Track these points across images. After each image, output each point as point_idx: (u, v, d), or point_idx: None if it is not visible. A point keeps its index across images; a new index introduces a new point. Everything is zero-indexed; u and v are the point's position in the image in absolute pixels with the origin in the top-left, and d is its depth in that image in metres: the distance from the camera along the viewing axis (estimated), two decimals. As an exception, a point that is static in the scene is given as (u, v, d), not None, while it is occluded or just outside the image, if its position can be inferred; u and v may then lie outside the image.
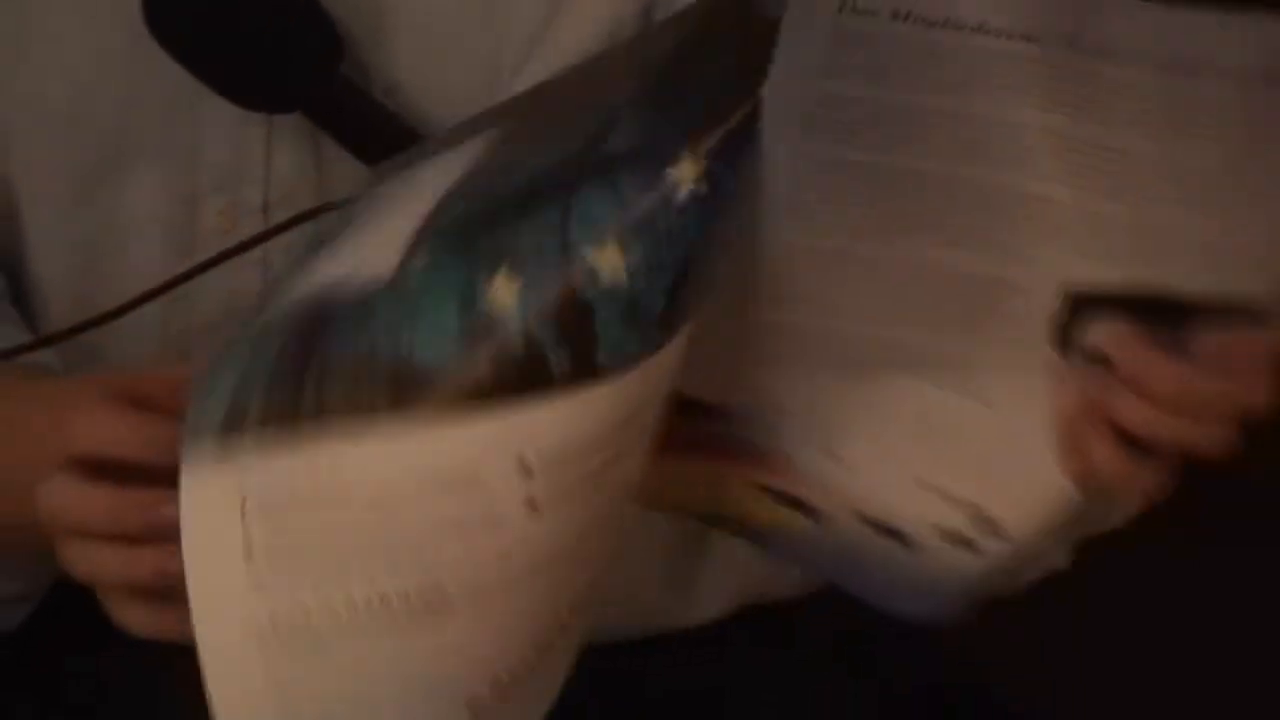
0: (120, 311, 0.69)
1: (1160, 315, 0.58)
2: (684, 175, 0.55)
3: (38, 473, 0.60)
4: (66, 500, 0.60)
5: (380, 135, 0.75)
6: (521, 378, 0.53)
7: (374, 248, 0.56)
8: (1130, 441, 0.60)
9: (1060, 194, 0.58)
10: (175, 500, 0.55)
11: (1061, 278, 0.59)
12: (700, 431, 0.67)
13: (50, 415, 0.65)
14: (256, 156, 0.77)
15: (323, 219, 0.66)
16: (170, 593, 0.56)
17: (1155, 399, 0.58)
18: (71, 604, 0.69)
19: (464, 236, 0.55)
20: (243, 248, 0.70)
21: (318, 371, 0.54)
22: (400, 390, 0.53)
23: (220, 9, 0.74)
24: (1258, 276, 0.59)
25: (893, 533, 0.67)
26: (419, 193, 0.58)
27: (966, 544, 0.66)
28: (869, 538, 0.68)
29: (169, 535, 0.55)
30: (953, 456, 0.65)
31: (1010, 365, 0.62)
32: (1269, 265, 0.59)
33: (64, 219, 0.79)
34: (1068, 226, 0.59)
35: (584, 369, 0.54)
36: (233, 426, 0.54)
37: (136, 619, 0.61)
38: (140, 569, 0.59)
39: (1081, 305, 0.60)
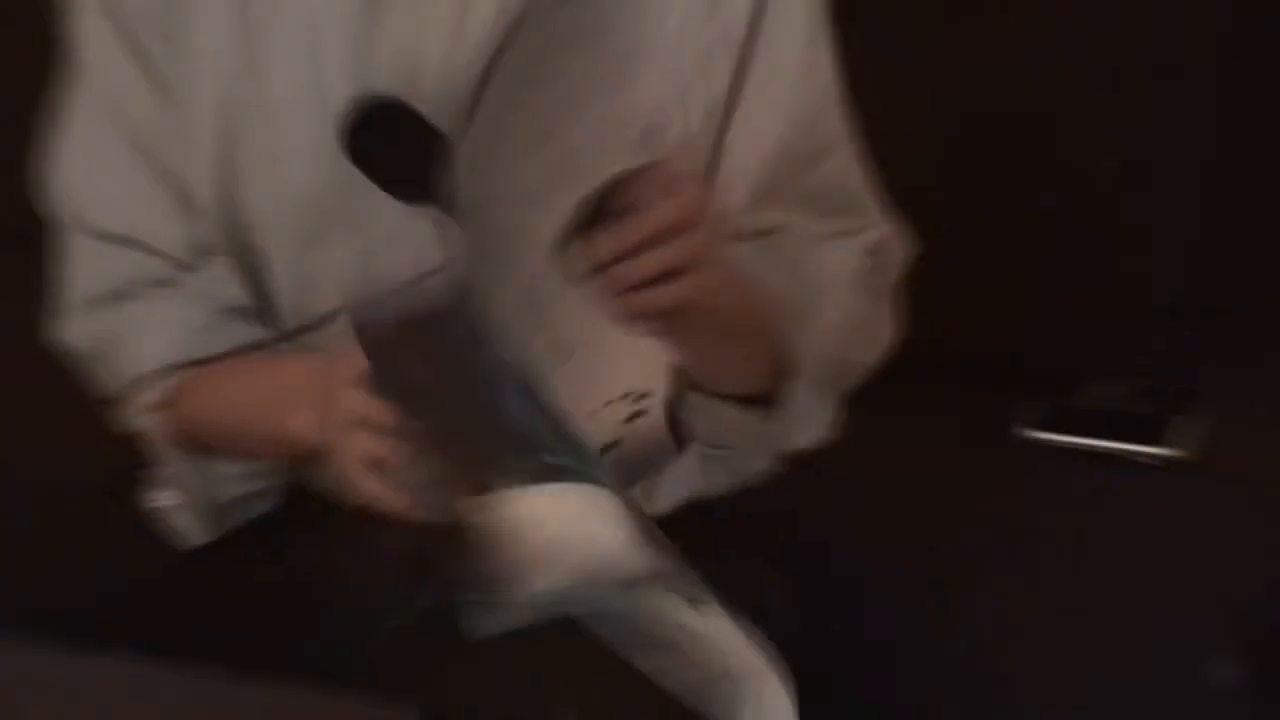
0: (329, 318, 1.20)
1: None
2: None
3: (297, 406, 1.10)
4: (356, 403, 1.01)
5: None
6: None
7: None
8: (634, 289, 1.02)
9: None
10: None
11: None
12: None
13: (320, 366, 1.11)
14: (405, 226, 1.14)
15: None
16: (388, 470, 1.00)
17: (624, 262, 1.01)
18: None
19: None
20: (392, 285, 1.10)
21: None
22: None
23: (379, 148, 1.15)
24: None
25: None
26: None
27: (641, 415, 1.11)
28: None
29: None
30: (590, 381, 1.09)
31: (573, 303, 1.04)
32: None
33: (293, 262, 1.25)
34: None
35: None
36: None
37: (371, 486, 1.00)
38: (384, 449, 0.99)
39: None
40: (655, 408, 1.15)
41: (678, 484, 1.32)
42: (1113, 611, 1.37)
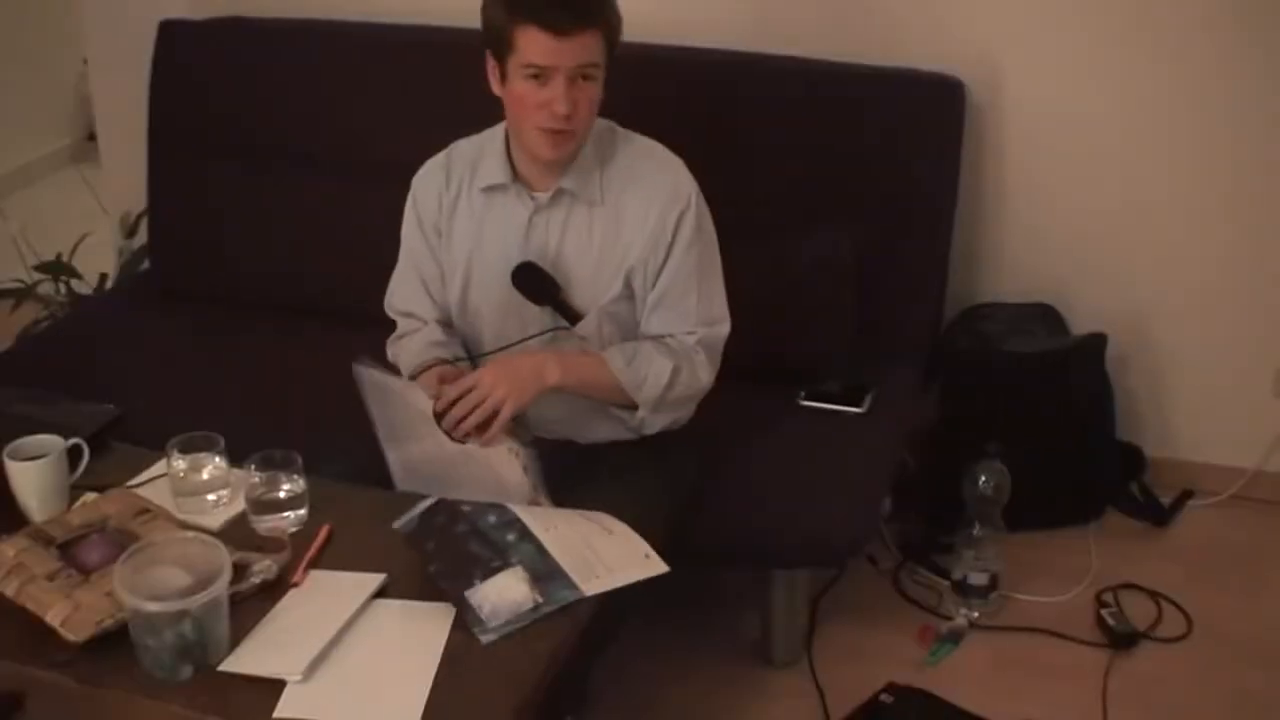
0: (507, 347, 2.58)
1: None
2: None
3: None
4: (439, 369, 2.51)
5: (569, 314, 2.58)
6: None
7: None
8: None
9: None
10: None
11: None
12: None
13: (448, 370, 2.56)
14: (533, 315, 2.61)
15: None
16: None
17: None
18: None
19: None
20: (520, 340, 2.58)
21: None
22: None
23: (527, 283, 2.58)
24: None
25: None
26: None
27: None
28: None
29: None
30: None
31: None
32: None
33: (490, 326, 2.66)
34: None
35: None
36: None
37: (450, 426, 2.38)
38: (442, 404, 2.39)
39: None
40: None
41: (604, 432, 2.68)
42: (826, 469, 2.90)
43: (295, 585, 2.11)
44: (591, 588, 2.10)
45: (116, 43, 4.01)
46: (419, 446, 2.45)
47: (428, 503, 2.23)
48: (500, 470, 2.39)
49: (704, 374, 2.63)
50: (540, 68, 2.42)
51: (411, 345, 2.70)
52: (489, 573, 2.07)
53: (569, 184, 2.57)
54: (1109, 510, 3.56)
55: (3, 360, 3.33)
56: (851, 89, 3.30)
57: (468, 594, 2.04)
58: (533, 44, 2.40)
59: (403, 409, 2.46)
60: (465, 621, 2.02)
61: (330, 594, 2.09)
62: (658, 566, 2.21)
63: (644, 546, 2.23)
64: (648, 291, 2.61)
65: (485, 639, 2.00)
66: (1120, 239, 3.50)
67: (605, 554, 2.18)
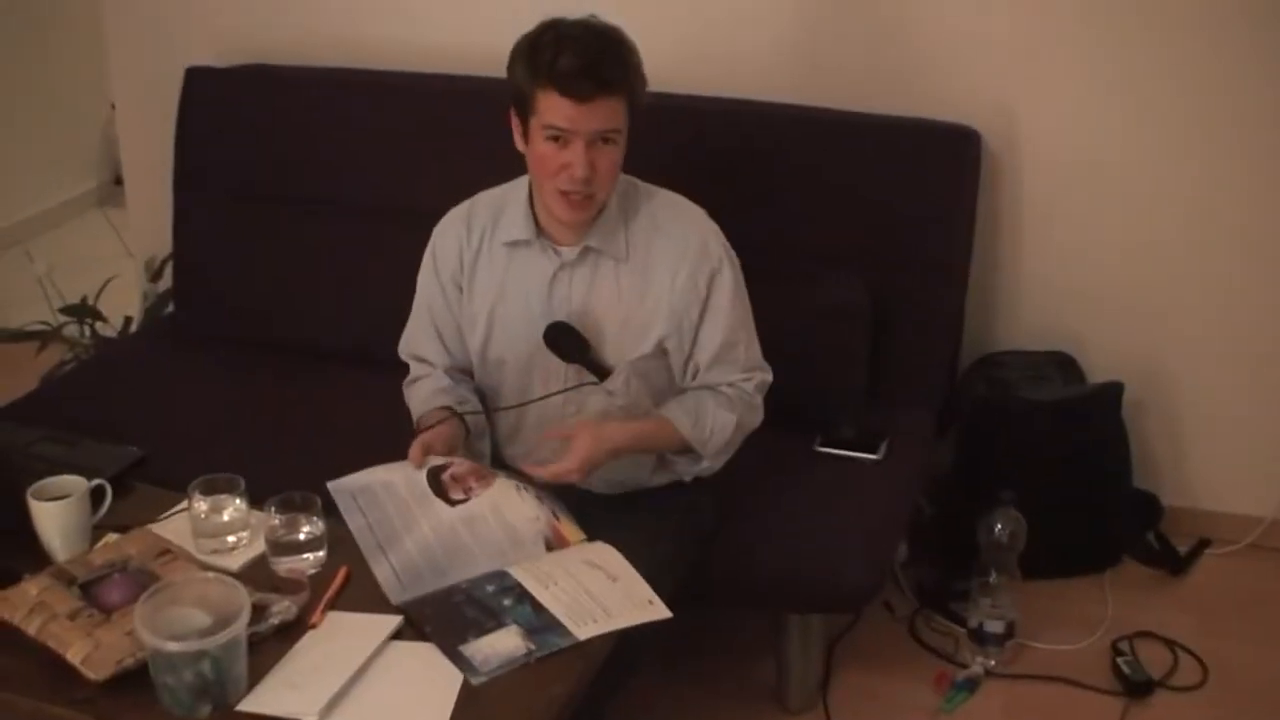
0: (523, 404, 2.66)
1: None
2: None
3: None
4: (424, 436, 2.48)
5: (598, 370, 2.59)
6: None
7: None
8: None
9: None
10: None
11: None
12: None
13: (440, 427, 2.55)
14: (557, 367, 2.60)
15: None
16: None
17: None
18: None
19: None
20: (546, 396, 2.63)
21: None
22: None
23: (560, 343, 2.59)
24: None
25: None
26: None
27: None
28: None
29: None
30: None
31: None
32: None
33: (514, 381, 2.68)
34: None
35: None
36: None
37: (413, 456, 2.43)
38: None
39: None
40: None
41: (664, 476, 2.72)
42: (840, 514, 2.91)
43: (313, 627, 2.12)
44: (585, 631, 2.12)
45: (143, 88, 4.08)
46: (414, 536, 2.30)
47: (431, 587, 2.22)
48: (509, 514, 2.38)
49: (759, 416, 2.71)
50: (560, 130, 2.44)
51: (419, 393, 2.72)
52: (483, 633, 2.10)
53: (595, 241, 2.58)
54: (1125, 558, 3.55)
55: (28, 401, 3.36)
56: (868, 139, 3.33)
57: (461, 648, 2.07)
58: (554, 108, 2.42)
59: (390, 500, 2.36)
60: (459, 667, 2.04)
61: (348, 635, 2.10)
62: (660, 612, 2.22)
63: (647, 592, 2.25)
64: (686, 348, 2.63)
65: (476, 680, 2.02)
66: (1137, 288, 3.52)
67: (605, 599, 2.19)
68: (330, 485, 2.31)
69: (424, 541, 2.28)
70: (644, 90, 2.53)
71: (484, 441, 2.70)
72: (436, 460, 2.43)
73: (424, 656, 2.08)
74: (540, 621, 2.12)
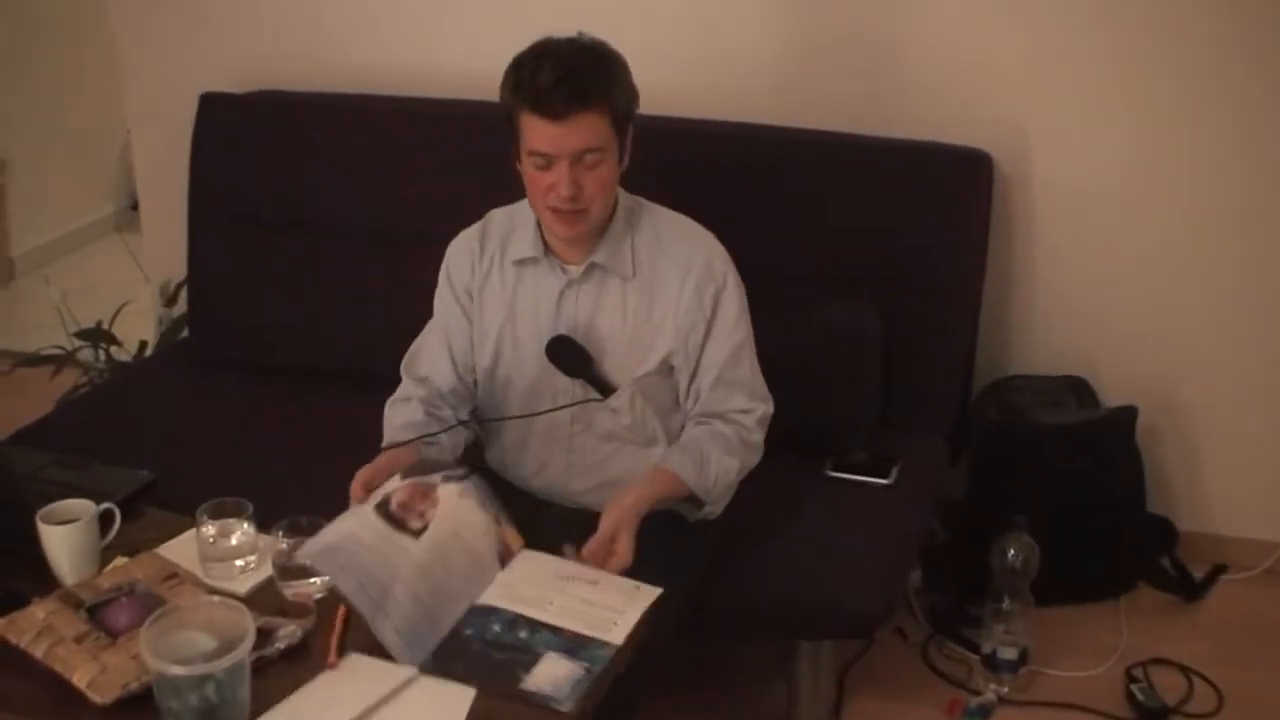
0: (524, 416, 2.68)
1: None
2: None
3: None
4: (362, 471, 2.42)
5: (602, 386, 2.61)
6: None
7: None
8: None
9: None
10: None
11: None
12: None
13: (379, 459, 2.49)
14: (564, 386, 2.63)
15: None
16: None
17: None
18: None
19: None
20: (550, 410, 2.64)
21: None
22: None
23: (562, 356, 2.60)
24: None
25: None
26: None
27: None
28: None
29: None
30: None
31: None
32: None
33: (521, 399, 2.68)
34: None
35: None
36: None
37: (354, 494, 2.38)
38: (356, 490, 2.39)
39: None
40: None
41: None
42: (851, 539, 2.89)
43: (331, 667, 2.10)
44: (616, 635, 2.13)
45: (159, 114, 4.10)
46: (400, 586, 2.17)
47: (439, 635, 2.15)
48: (467, 534, 2.30)
49: (758, 455, 2.70)
50: (542, 154, 2.45)
51: (393, 419, 2.68)
52: (528, 669, 2.07)
53: (601, 258, 2.59)
54: (1140, 584, 3.53)
55: (42, 425, 3.37)
56: (879, 162, 3.33)
57: (522, 688, 2.03)
58: (533, 129, 2.44)
59: (362, 551, 2.20)
60: (535, 704, 2.02)
61: (362, 679, 2.07)
62: (650, 593, 2.23)
63: (628, 582, 2.27)
64: (691, 367, 2.63)
65: (568, 707, 2.00)
66: (1151, 311, 3.51)
67: (605, 600, 2.20)
68: (305, 557, 2.20)
69: (410, 589, 2.17)
70: (630, 102, 2.53)
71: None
72: (377, 495, 2.32)
73: (432, 692, 2.06)
74: (568, 642, 2.11)
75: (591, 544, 2.36)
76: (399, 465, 2.42)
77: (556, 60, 2.42)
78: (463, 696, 2.03)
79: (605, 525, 2.39)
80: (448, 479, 2.34)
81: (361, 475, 2.43)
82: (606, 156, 2.49)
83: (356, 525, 2.23)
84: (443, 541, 2.25)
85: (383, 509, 2.27)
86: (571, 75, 2.40)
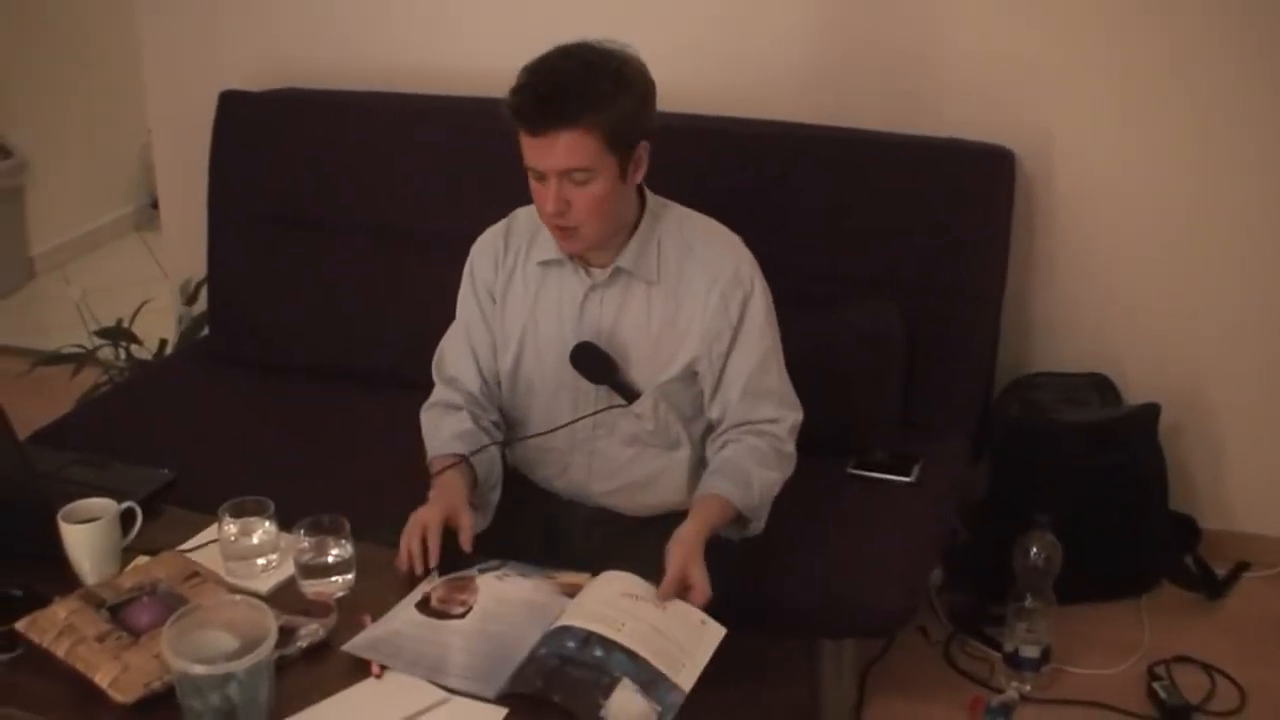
0: (548, 431, 2.64)
1: None
2: None
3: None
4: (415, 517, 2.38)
5: (626, 392, 2.57)
6: None
7: None
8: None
9: None
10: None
11: None
12: None
13: (436, 493, 2.47)
14: (586, 389, 2.59)
15: None
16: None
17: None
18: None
19: None
20: (572, 421, 2.60)
21: None
22: None
23: (586, 364, 2.56)
24: None
25: None
26: None
27: None
28: None
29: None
30: None
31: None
32: None
33: (543, 403, 2.64)
34: None
35: None
36: None
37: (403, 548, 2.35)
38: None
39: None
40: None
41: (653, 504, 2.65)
42: (873, 538, 2.90)
43: (377, 676, 2.09)
44: (685, 679, 2.11)
45: (178, 112, 4.11)
46: (456, 647, 2.15)
47: (510, 668, 2.10)
48: (514, 593, 2.29)
49: (793, 464, 2.66)
50: (531, 167, 2.43)
51: (441, 430, 2.65)
52: (606, 691, 2.04)
53: (626, 263, 2.56)
54: (1162, 582, 3.52)
55: (63, 424, 3.37)
56: (902, 160, 3.33)
57: (603, 714, 2.01)
58: (524, 143, 2.41)
59: (408, 640, 2.17)
60: None
61: (395, 693, 2.06)
62: (716, 632, 2.22)
63: (696, 614, 2.24)
64: (715, 374, 2.59)
65: None
66: (1173, 308, 3.50)
67: (675, 634, 2.17)
68: (350, 649, 2.14)
69: (467, 648, 2.14)
70: (632, 120, 2.44)
71: (495, 492, 2.65)
72: (416, 594, 2.29)
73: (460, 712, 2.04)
74: (644, 673, 2.08)
75: (665, 587, 2.28)
76: (460, 498, 2.47)
77: (547, 74, 2.38)
78: (494, 716, 2.01)
79: (674, 566, 2.31)
80: (484, 570, 2.33)
81: (420, 519, 2.41)
82: (597, 176, 2.41)
83: (398, 623, 2.21)
84: (492, 609, 2.23)
85: (423, 607, 2.24)
86: (556, 92, 2.35)
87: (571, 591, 2.28)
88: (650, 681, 2.07)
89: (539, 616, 2.20)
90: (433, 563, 2.34)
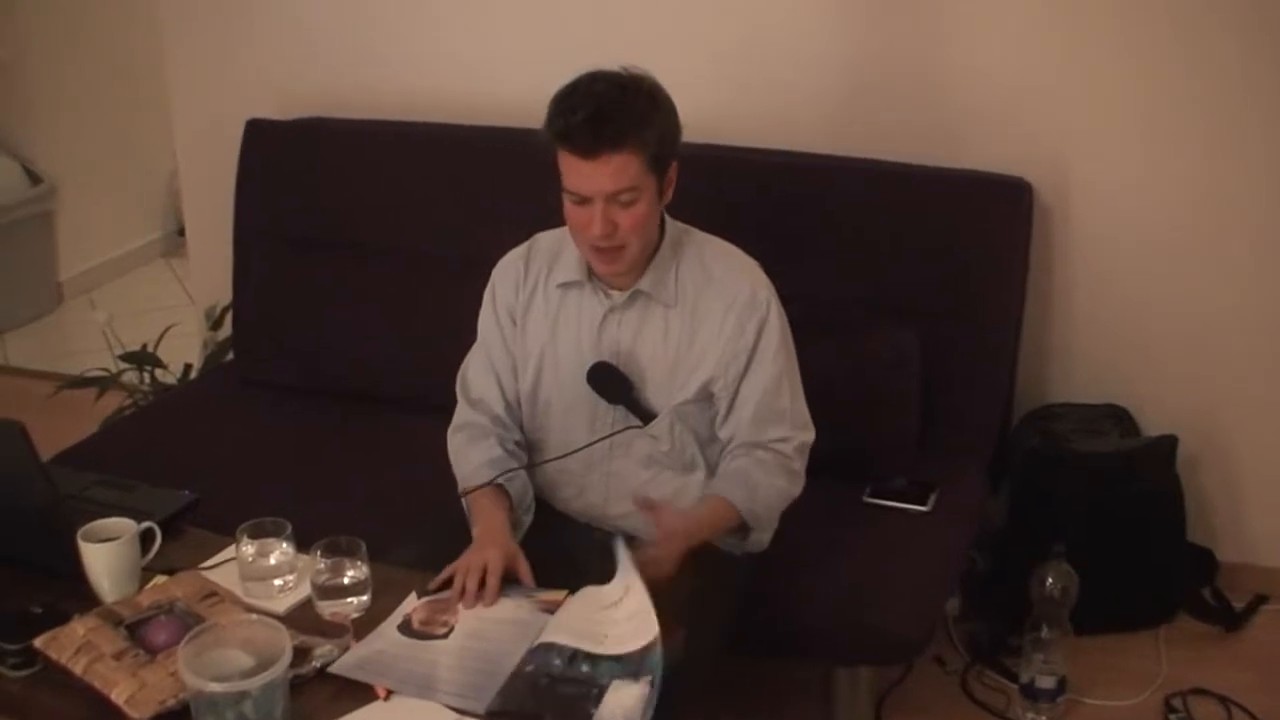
0: (570, 453, 2.64)
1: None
2: None
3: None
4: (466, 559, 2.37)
5: (642, 413, 2.60)
6: None
7: None
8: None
9: None
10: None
11: None
12: None
13: (484, 536, 2.46)
14: (604, 410, 2.64)
15: None
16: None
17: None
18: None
19: None
20: (590, 443, 2.61)
21: None
22: None
23: (603, 383, 2.60)
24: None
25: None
26: None
27: None
28: None
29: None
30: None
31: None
32: None
33: (560, 423, 2.67)
34: None
35: None
36: None
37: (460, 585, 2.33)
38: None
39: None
40: None
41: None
42: (889, 566, 2.91)
43: (384, 699, 2.10)
44: (649, 631, 2.10)
45: (205, 140, 4.15)
46: (443, 664, 2.17)
47: (498, 683, 2.11)
48: (497, 614, 2.31)
49: (800, 484, 2.67)
50: (576, 193, 2.46)
51: (471, 456, 2.67)
52: (597, 700, 2.05)
53: (645, 285, 2.59)
54: (1180, 614, 3.51)
55: (86, 446, 3.40)
56: (919, 190, 3.34)
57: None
58: (568, 167, 2.45)
59: (394, 660, 2.18)
60: None
61: (402, 715, 2.07)
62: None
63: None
64: (729, 396, 2.61)
65: None
66: (1191, 340, 3.50)
67: (637, 609, 2.16)
68: (338, 671, 2.14)
69: (455, 665, 2.16)
70: (667, 141, 2.50)
71: (529, 514, 2.67)
72: (396, 616, 2.29)
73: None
74: (629, 665, 2.09)
75: (641, 506, 2.47)
76: (512, 541, 2.49)
77: (588, 98, 2.42)
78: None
79: (663, 514, 2.46)
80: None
81: (483, 563, 2.38)
82: (641, 195, 2.47)
83: (381, 644, 2.22)
84: (475, 627, 2.26)
85: (405, 629, 2.27)
86: (600, 114, 2.40)
87: (551, 608, 2.30)
88: (635, 666, 2.08)
89: (522, 633, 2.22)
90: (489, 604, 2.33)
